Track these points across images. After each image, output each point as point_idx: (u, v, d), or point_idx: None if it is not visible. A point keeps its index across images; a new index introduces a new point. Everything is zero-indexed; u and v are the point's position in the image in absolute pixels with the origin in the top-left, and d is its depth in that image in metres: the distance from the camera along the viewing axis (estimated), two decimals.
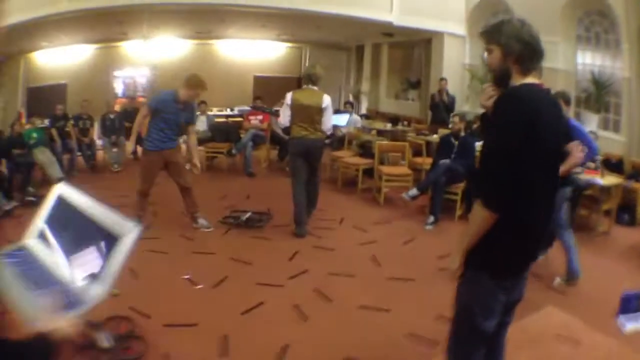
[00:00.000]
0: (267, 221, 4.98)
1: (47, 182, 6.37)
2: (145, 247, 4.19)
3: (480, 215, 1.63)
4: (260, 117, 7.53)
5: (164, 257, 4.09)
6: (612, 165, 5.76)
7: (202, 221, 4.77)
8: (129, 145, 7.75)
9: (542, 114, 1.57)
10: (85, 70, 10.03)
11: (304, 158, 4.58)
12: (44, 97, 8.73)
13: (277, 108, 6.50)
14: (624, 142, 6.16)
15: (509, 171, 1.55)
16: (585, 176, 4.71)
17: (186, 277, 3.67)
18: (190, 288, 3.54)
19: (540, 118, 1.56)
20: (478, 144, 5.25)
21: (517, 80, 1.65)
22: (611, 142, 6.18)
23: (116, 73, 10.69)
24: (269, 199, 5.84)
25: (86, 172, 7.35)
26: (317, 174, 4.80)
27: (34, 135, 6.66)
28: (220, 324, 3.04)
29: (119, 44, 10.21)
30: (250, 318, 3.17)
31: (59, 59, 10.00)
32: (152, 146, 4.43)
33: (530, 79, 1.64)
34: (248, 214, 5.01)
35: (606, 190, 4.98)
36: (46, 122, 7.56)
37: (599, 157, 4.84)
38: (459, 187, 5.18)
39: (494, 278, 1.71)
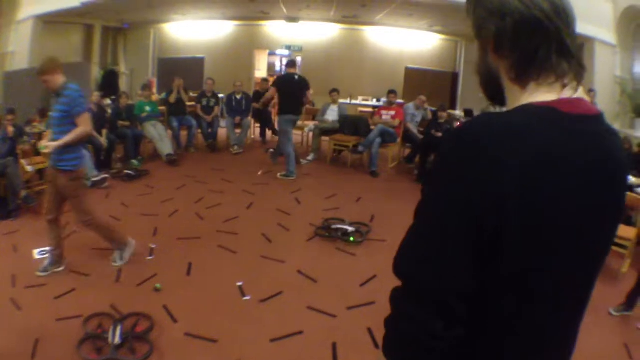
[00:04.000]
0: (364, 236, 4.55)
1: (156, 157, 6.78)
2: (218, 241, 4.24)
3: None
4: (392, 112, 6.98)
5: (229, 256, 4.04)
6: None
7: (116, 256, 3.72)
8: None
9: (551, 178, 0.72)
10: (223, 47, 10.21)
11: None
12: (178, 69, 8.93)
13: None
14: None
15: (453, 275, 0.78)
16: None
17: (239, 284, 3.54)
18: (237, 297, 3.39)
19: (544, 185, 0.72)
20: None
21: (514, 98, 0.82)
22: None
23: (259, 52, 10.60)
24: (380, 205, 5.41)
25: (204, 151, 7.46)
26: None
27: (147, 108, 6.68)
28: (242, 347, 2.83)
29: (261, 22, 10.30)
30: (275, 348, 2.88)
31: (194, 32, 10.18)
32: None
33: (544, 94, 0.78)
34: (343, 227, 4.57)
35: None
36: (163, 95, 7.72)
37: None
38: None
39: None
